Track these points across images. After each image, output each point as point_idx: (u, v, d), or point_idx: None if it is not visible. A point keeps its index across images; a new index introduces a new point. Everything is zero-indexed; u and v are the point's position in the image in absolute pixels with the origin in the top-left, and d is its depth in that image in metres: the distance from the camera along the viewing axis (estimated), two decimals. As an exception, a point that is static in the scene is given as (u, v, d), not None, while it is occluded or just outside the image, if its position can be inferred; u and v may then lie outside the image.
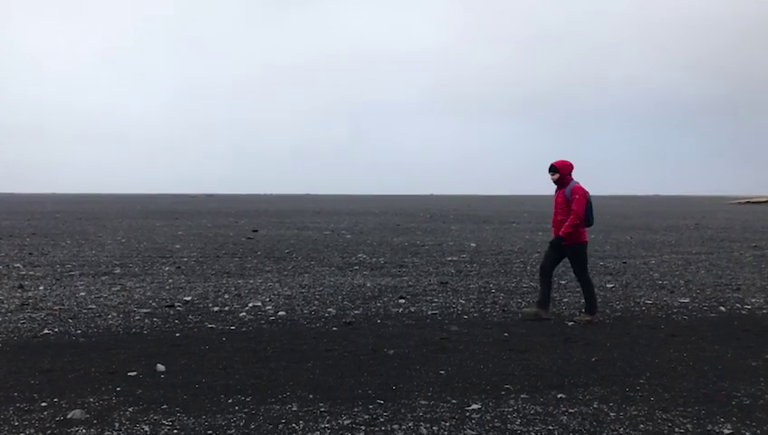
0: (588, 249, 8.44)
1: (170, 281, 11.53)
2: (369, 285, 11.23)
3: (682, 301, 9.79)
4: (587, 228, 8.32)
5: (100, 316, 8.38)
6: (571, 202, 8.14)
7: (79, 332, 7.53)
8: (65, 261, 14.37)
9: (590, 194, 8.27)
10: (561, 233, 8.19)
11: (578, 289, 10.82)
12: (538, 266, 8.79)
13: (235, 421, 4.70)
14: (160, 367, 5.98)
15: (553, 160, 8.37)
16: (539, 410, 4.97)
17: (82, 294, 10.08)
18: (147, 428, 4.56)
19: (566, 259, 8.46)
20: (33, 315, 8.39)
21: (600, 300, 9.79)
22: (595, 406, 5.07)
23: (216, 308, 9.01)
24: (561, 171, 8.29)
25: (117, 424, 4.62)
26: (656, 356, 6.54)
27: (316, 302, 9.58)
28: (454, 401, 5.15)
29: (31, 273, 12.45)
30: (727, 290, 10.87)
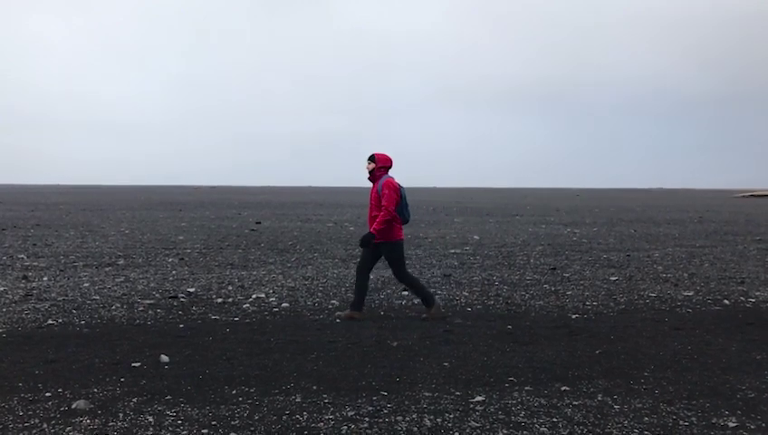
0: (405, 248, 7.84)
1: (174, 272, 11.54)
2: (372, 277, 11.21)
3: (686, 294, 9.76)
4: (403, 225, 7.92)
5: (103, 307, 8.39)
6: (381, 198, 7.72)
7: (83, 322, 7.55)
8: (69, 252, 14.38)
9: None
10: (371, 230, 7.75)
11: (581, 282, 10.81)
12: (355, 268, 8.39)
13: (238, 412, 4.70)
14: (164, 358, 5.99)
15: (375, 151, 7.94)
16: (543, 402, 4.97)
17: (86, 285, 10.09)
18: (151, 418, 4.57)
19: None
20: (38, 306, 8.40)
21: (603, 293, 9.79)
22: (599, 398, 5.06)
23: (219, 299, 9.01)
24: (376, 163, 7.85)
25: (121, 414, 4.63)
26: (660, 349, 6.53)
27: (319, 293, 9.58)
28: (458, 393, 5.15)
29: (35, 264, 12.47)
30: (731, 283, 10.85)
